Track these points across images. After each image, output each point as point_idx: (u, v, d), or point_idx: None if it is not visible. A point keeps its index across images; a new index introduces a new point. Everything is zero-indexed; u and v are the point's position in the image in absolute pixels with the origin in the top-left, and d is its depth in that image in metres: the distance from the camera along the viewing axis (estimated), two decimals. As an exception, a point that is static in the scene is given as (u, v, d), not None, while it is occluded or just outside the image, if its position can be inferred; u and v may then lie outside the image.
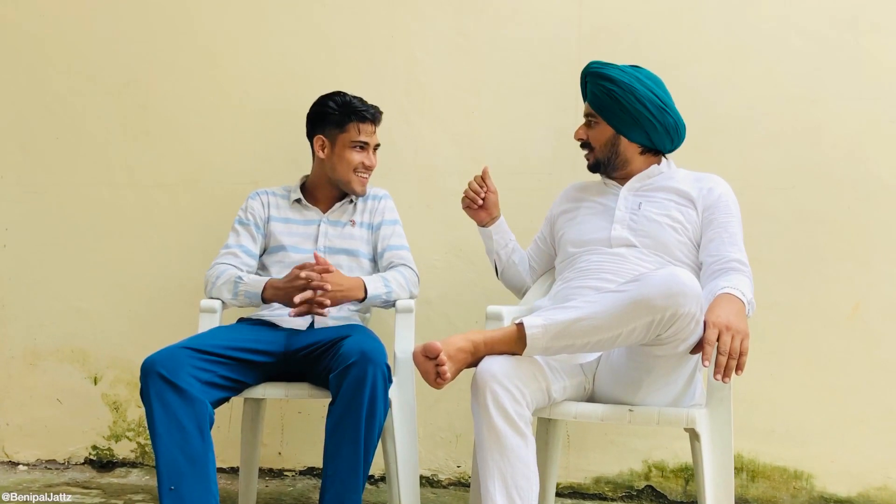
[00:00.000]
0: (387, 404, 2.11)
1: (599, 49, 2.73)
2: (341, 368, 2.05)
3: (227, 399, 2.17)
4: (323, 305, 2.24)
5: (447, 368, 1.83)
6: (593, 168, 2.34)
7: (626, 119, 2.23)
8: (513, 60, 2.82)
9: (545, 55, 2.80)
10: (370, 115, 2.49)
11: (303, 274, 2.25)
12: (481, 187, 2.40)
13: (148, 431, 2.05)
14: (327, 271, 2.26)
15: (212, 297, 2.42)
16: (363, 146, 2.50)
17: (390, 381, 2.11)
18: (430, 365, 1.84)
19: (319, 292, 2.24)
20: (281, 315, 2.40)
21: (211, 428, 2.04)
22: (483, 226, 2.45)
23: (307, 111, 2.55)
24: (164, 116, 2.97)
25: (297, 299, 2.24)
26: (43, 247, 3.02)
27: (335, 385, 2.07)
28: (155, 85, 2.97)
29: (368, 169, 2.51)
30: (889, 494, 2.62)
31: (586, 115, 2.32)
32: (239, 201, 2.70)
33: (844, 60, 2.65)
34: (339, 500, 2.06)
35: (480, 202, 2.40)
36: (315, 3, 2.91)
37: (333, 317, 2.40)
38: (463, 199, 2.42)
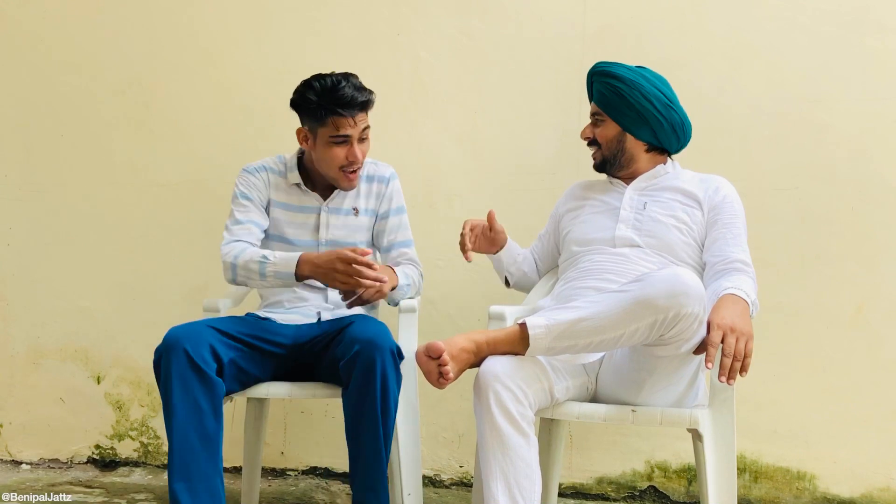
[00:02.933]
0: (399, 382, 2.13)
1: (603, 49, 2.72)
2: (349, 357, 2.06)
3: (233, 391, 2.17)
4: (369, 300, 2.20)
5: (450, 368, 1.83)
6: (599, 167, 2.34)
7: (633, 116, 2.23)
8: (516, 60, 2.82)
9: (549, 55, 2.80)
10: (349, 110, 2.21)
11: (341, 268, 2.12)
12: (488, 229, 2.40)
13: (163, 404, 2.04)
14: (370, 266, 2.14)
15: (237, 283, 2.26)
16: (345, 140, 2.25)
17: (401, 358, 2.13)
18: (433, 365, 1.84)
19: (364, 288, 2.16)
20: (290, 315, 2.36)
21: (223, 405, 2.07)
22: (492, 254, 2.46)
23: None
24: (167, 116, 2.97)
25: (347, 303, 2.19)
26: (46, 246, 3.02)
27: (346, 373, 2.09)
28: (158, 84, 2.97)
29: (354, 163, 2.28)
30: (892, 495, 2.61)
31: (593, 114, 2.32)
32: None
33: (849, 60, 2.64)
34: (367, 481, 2.12)
35: (469, 249, 2.36)
36: (319, 3, 2.91)
37: (340, 311, 2.40)
38: (460, 244, 2.38)
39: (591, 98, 2.34)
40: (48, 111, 3.02)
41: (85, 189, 3.00)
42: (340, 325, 2.22)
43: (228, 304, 2.46)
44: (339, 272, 2.12)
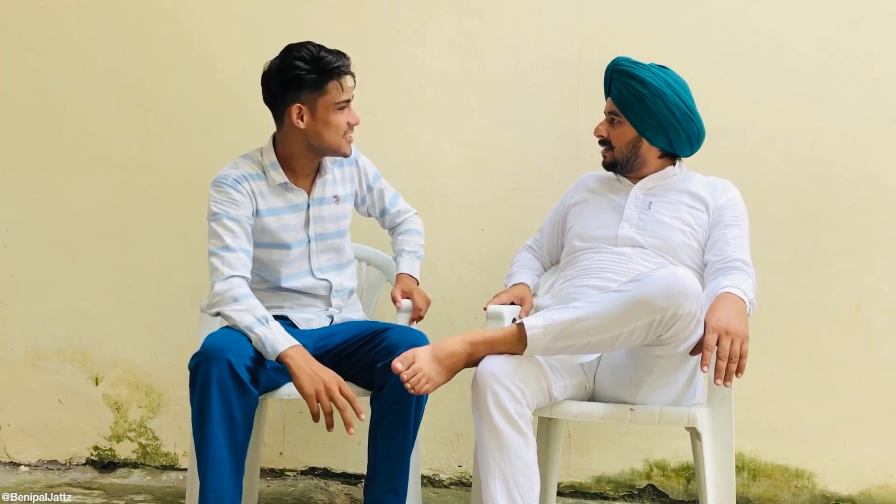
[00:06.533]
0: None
1: (601, 48, 2.72)
2: (389, 360, 2.05)
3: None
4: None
5: (420, 377, 1.86)
6: (609, 166, 2.32)
7: (651, 123, 2.21)
8: (514, 60, 2.82)
9: (547, 55, 2.80)
10: (346, 67, 2.20)
11: (329, 392, 2.01)
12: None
13: (195, 410, 2.03)
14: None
15: (219, 316, 2.18)
16: (347, 104, 2.23)
17: None
18: (406, 374, 1.86)
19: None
20: (304, 316, 2.35)
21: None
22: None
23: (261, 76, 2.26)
24: (165, 116, 2.97)
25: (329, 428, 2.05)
26: (44, 247, 3.02)
27: (383, 375, 2.11)
28: (156, 85, 2.97)
29: (354, 126, 2.26)
30: (891, 493, 2.62)
31: (609, 112, 2.29)
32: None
33: (845, 60, 2.65)
34: (390, 482, 2.14)
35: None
36: (317, 3, 2.91)
37: (347, 314, 2.41)
38: None
39: (607, 94, 2.31)
40: (46, 112, 3.02)
41: (83, 190, 3.00)
42: (371, 328, 2.23)
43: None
44: (322, 393, 2.01)
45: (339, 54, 2.21)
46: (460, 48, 2.84)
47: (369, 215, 2.59)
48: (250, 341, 2.08)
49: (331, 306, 2.39)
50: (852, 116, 2.64)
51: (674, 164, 2.32)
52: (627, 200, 2.28)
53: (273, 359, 2.06)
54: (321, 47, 2.21)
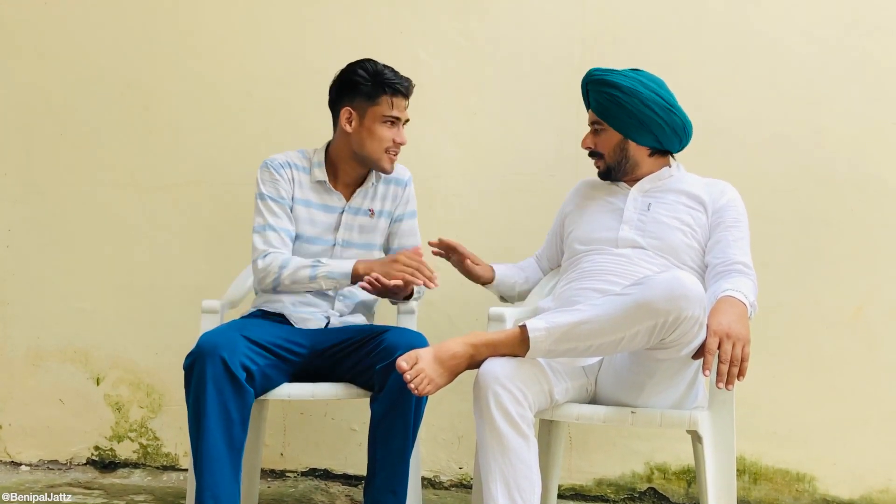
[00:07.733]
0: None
1: (602, 51, 2.72)
2: (389, 361, 2.06)
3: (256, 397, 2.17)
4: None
5: (422, 378, 1.85)
6: (604, 175, 2.33)
7: (633, 123, 2.22)
8: (515, 62, 2.82)
9: (548, 57, 2.80)
10: (403, 87, 2.31)
11: (403, 259, 2.23)
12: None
13: (191, 409, 2.05)
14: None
15: (276, 291, 2.31)
16: (395, 121, 2.32)
17: None
18: (409, 374, 1.86)
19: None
20: (301, 315, 2.35)
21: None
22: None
23: (332, 81, 2.40)
24: (166, 117, 2.97)
25: (415, 287, 2.31)
26: (45, 247, 3.02)
27: (382, 377, 2.11)
28: (157, 86, 2.97)
29: (399, 146, 2.35)
30: (891, 497, 2.61)
31: (592, 123, 2.30)
32: (242, 202, 2.68)
33: (846, 62, 2.65)
34: (389, 484, 2.15)
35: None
36: (318, 4, 2.91)
37: (347, 318, 2.41)
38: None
39: (588, 106, 2.33)
40: (48, 112, 3.02)
41: (85, 190, 3.00)
42: (370, 331, 2.24)
43: (227, 305, 2.46)
44: (401, 262, 2.21)
45: (402, 77, 2.32)
46: (462, 49, 2.84)
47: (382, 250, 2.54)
48: (325, 289, 2.28)
49: (332, 308, 2.39)
50: (854, 118, 2.64)
51: (669, 165, 2.32)
52: (626, 202, 2.28)
53: (354, 282, 2.26)
54: (388, 67, 2.32)
